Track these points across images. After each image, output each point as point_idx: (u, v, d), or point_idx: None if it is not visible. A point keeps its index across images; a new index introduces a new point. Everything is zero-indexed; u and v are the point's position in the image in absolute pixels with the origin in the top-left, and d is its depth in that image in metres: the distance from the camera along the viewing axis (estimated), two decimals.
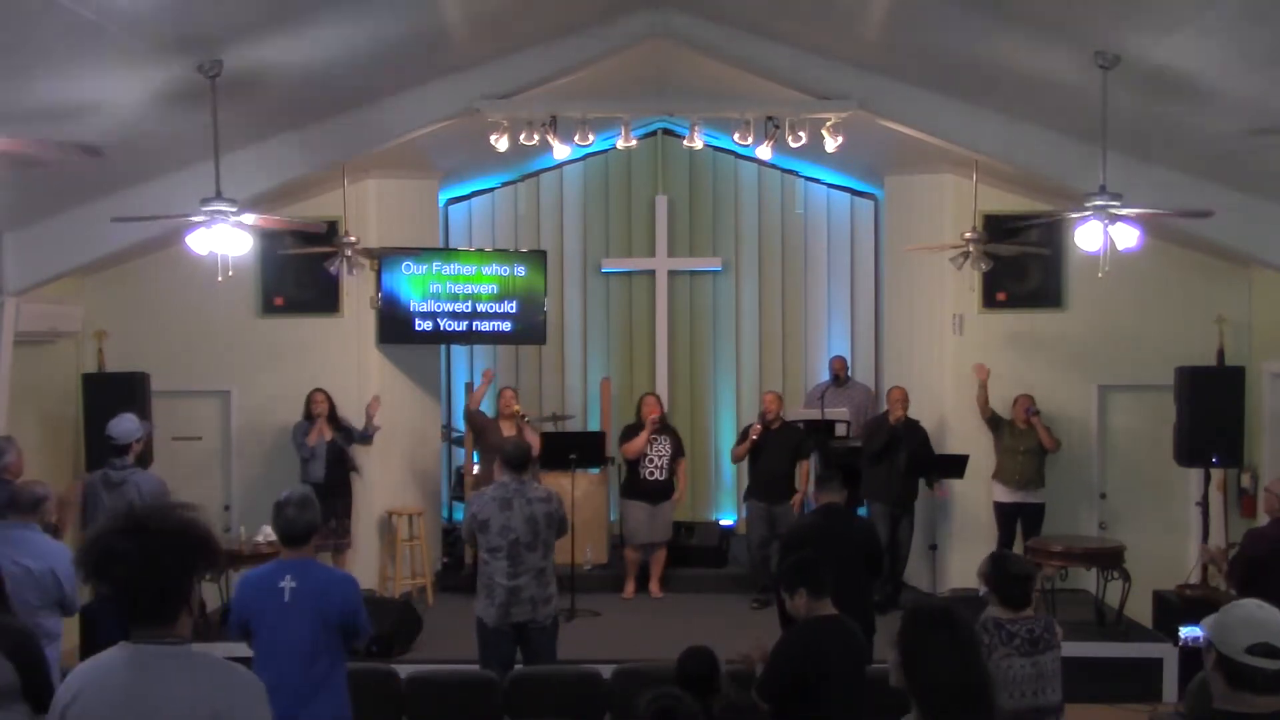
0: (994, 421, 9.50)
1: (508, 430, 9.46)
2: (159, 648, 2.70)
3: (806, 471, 9.74)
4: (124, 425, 7.16)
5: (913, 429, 9.40)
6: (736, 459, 9.87)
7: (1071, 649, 7.93)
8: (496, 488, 6.36)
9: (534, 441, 9.06)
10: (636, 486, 9.65)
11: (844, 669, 4.87)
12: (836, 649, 4.90)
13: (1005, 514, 9.48)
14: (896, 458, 9.29)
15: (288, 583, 4.69)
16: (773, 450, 9.49)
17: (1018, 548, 9.35)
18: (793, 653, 4.94)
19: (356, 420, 9.40)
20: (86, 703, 2.68)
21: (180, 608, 2.72)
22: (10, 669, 4.01)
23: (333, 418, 9.26)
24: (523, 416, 9.60)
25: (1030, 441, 9.36)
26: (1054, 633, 4.78)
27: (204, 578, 2.82)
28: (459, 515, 10.56)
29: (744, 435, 9.74)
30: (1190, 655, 6.14)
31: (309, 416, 9.20)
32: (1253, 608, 2.84)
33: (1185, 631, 5.85)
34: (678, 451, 9.74)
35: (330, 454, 9.16)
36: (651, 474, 9.61)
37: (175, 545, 2.69)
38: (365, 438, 9.36)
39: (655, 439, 9.64)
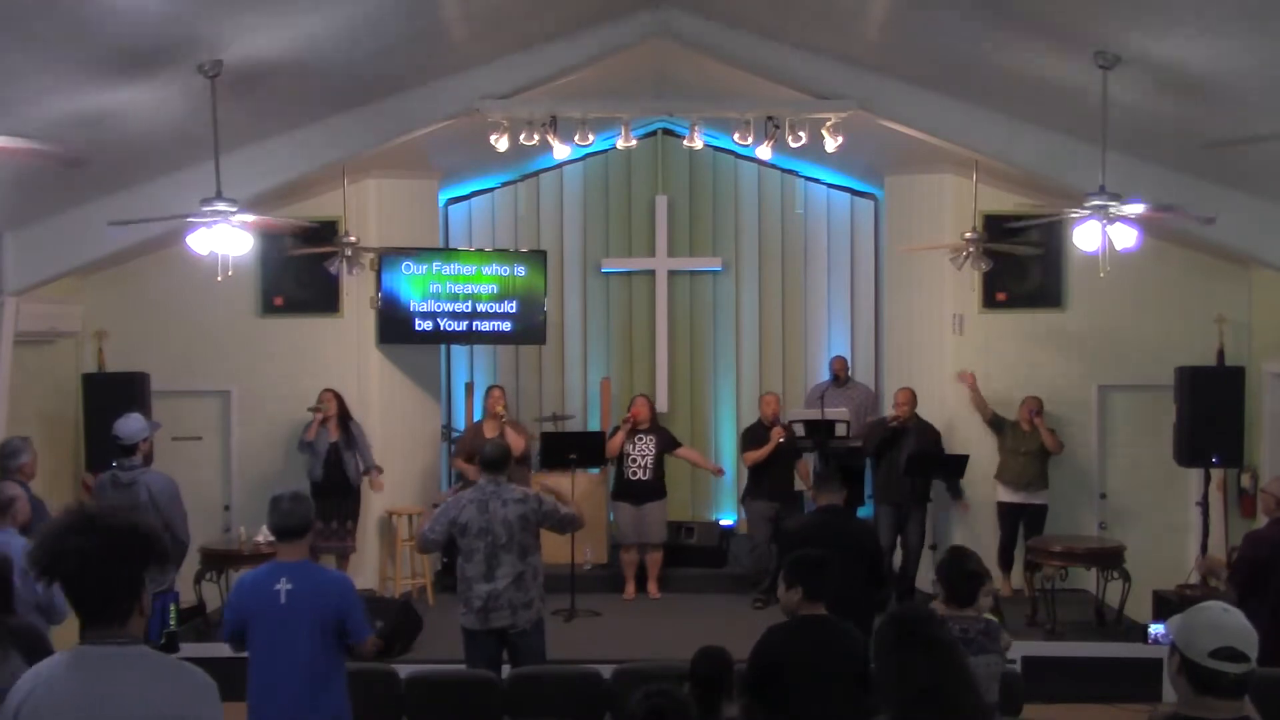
0: (996, 423, 9.51)
1: (491, 431, 9.42)
2: (111, 648, 2.66)
3: (806, 470, 9.75)
4: (131, 425, 7.13)
5: (923, 430, 9.40)
6: (752, 463, 9.67)
7: (1072, 649, 8.02)
8: (474, 490, 6.31)
9: (517, 443, 9.02)
10: (621, 487, 9.68)
11: (823, 668, 4.84)
12: (814, 647, 4.87)
13: (1007, 514, 9.50)
14: (896, 457, 9.30)
15: (284, 585, 4.67)
16: (781, 452, 9.49)
17: (1019, 548, 9.37)
18: (766, 648, 4.94)
19: (358, 422, 9.42)
20: (38, 704, 2.62)
21: (132, 607, 2.68)
22: (24, 666, 4.05)
23: (345, 421, 9.26)
24: (501, 418, 9.48)
25: (1034, 443, 9.36)
26: (994, 638, 4.74)
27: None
28: None
29: (754, 439, 9.63)
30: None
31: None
32: (1217, 611, 2.82)
33: (1154, 629, 5.81)
34: (667, 447, 9.70)
35: (331, 455, 9.17)
36: (635, 474, 9.59)
37: (127, 543, 2.66)
38: (366, 463, 9.36)
39: (639, 438, 9.63)
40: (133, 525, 2.69)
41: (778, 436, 9.44)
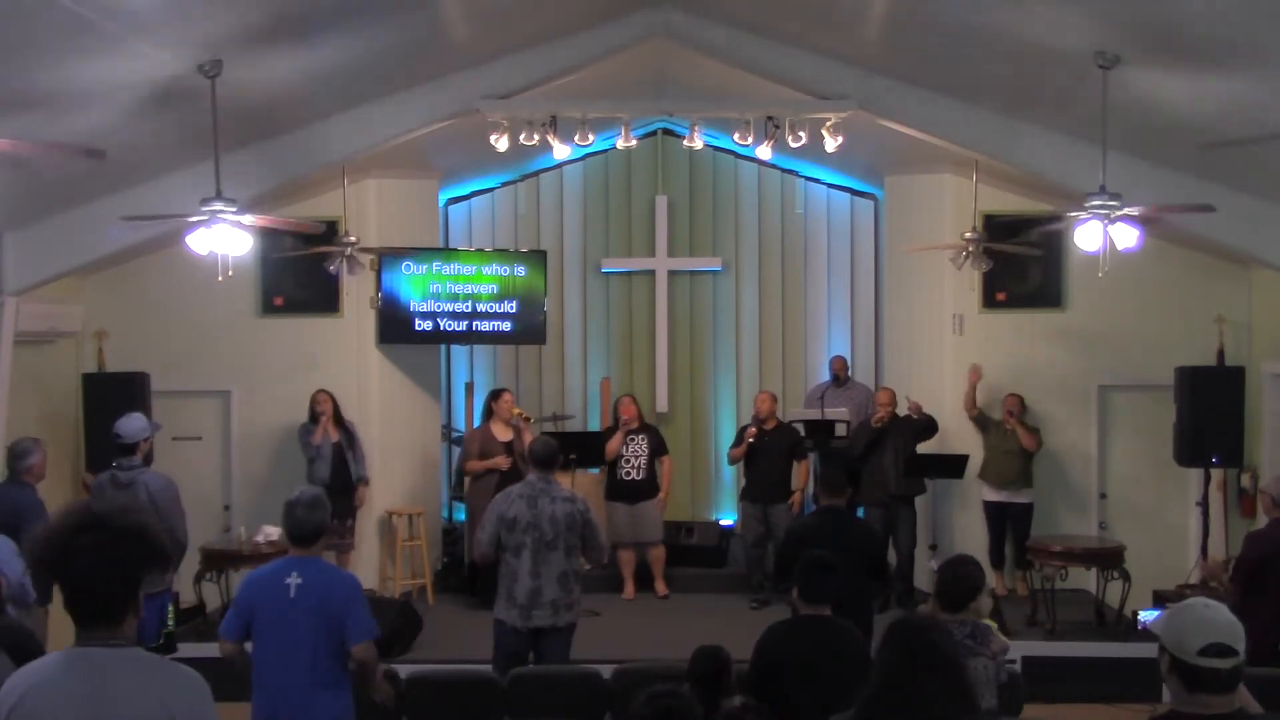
0: (981, 421, 9.52)
1: (502, 435, 9.39)
2: (108, 650, 2.66)
3: (805, 472, 9.74)
4: (133, 424, 7.13)
5: (901, 425, 9.40)
6: (733, 461, 9.91)
7: (1071, 649, 8.03)
8: (524, 486, 6.36)
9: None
10: (615, 487, 9.68)
11: (823, 667, 4.84)
12: (814, 646, 4.87)
13: (992, 513, 9.54)
14: (882, 459, 9.30)
15: (294, 579, 4.68)
16: (767, 452, 9.50)
17: (1009, 548, 9.38)
18: (767, 647, 4.96)
19: (358, 422, 9.41)
20: (34, 706, 2.61)
21: (129, 609, 2.68)
22: (11, 666, 4.05)
23: (338, 419, 9.27)
24: (526, 419, 9.45)
25: (1015, 442, 9.38)
26: (983, 641, 4.70)
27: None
28: (460, 515, 10.55)
29: (740, 437, 9.74)
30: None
31: (313, 417, 9.20)
32: (1199, 608, 2.79)
33: (1144, 616, 5.79)
34: (657, 450, 9.71)
35: (336, 455, 9.17)
36: (628, 474, 9.61)
37: (133, 545, 2.65)
38: (357, 473, 9.36)
39: (632, 439, 9.64)
40: (141, 527, 2.69)
41: (749, 436, 9.50)
